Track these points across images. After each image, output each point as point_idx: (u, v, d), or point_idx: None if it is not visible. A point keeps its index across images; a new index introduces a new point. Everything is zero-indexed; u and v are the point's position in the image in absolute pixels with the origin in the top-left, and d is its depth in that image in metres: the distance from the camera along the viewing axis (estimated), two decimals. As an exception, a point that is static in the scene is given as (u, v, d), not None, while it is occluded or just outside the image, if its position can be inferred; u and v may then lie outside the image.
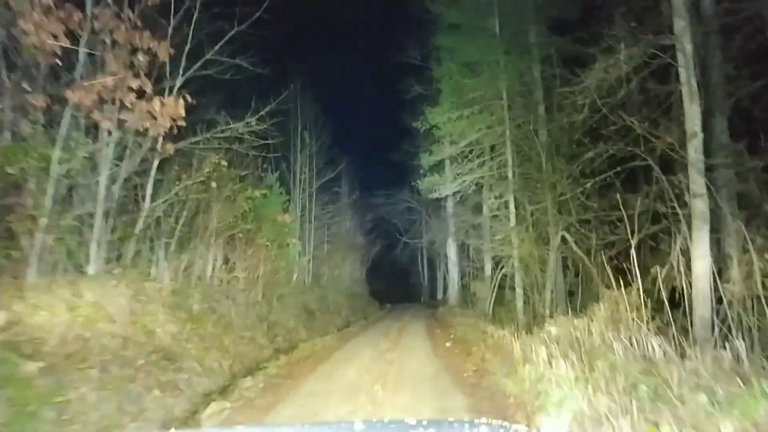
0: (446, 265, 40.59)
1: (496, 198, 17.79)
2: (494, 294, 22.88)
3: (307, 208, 22.20)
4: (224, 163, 10.87)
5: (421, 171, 18.61)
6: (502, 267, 22.87)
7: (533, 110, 17.15)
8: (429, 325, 19.36)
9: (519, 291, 17.36)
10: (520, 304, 17.25)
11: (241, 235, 12.59)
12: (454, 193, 27.11)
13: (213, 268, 11.61)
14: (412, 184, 19.36)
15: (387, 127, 50.57)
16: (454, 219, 29.13)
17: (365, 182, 38.84)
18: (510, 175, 17.56)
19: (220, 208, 11.17)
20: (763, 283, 6.35)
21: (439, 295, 42.79)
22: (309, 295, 20.92)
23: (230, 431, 2.66)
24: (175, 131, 8.18)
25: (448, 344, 12.16)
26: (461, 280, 30.62)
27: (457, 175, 18.01)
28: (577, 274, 16.98)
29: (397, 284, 49.68)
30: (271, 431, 2.34)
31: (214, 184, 10.73)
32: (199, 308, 10.24)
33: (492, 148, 18.21)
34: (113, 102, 8.04)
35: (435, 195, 18.52)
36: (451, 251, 30.16)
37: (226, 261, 12.32)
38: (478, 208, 25.01)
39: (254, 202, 12.62)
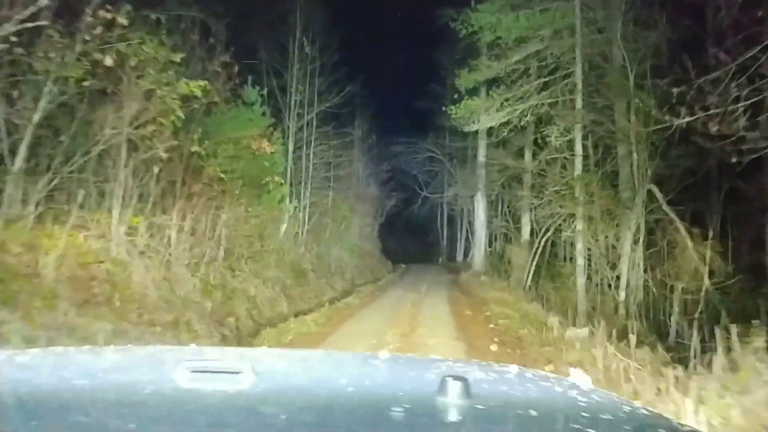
0: (469, 224, 35.97)
1: (556, 136, 12.91)
2: (534, 263, 18.34)
3: (304, 140, 17.47)
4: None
5: (456, 96, 13.74)
6: (547, 230, 18.23)
7: (616, 12, 12.09)
8: (454, 299, 14.87)
9: (581, 263, 12.73)
10: (581, 281, 12.64)
11: (177, 160, 8.06)
12: (490, 135, 22.26)
13: (120, 209, 7.13)
14: (444, 109, 14.45)
15: (411, 70, 44.70)
16: (487, 168, 24.29)
17: (384, 128, 33.94)
18: (578, 102, 12.66)
19: (126, 106, 6.58)
20: None
21: (458, 257, 38.28)
22: (303, 252, 16.52)
23: (258, 351, 2.17)
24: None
25: (494, 347, 7.67)
26: (489, 243, 26.00)
27: (506, 101, 13.11)
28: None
29: (413, 243, 45.27)
30: (300, 354, 2.04)
31: (110, 61, 6.12)
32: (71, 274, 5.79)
33: (554, 66, 13.22)
34: None
35: (471, 126, 13.72)
36: (480, 208, 25.44)
37: (145, 198, 7.80)
38: (519, 154, 20.16)
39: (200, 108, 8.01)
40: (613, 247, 12.75)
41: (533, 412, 1.16)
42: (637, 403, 1.34)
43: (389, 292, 16.72)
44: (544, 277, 16.98)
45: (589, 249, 12.83)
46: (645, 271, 11.79)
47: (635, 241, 11.70)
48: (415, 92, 37.21)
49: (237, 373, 1.20)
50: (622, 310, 11.50)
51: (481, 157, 25.11)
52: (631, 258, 11.69)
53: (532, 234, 19.78)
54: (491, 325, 9.79)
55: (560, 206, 13.52)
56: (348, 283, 18.90)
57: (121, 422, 1.04)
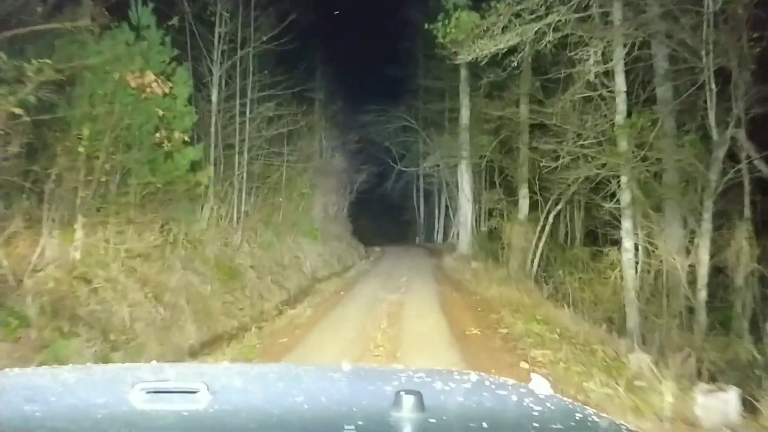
0: (449, 200, 32.12)
1: (592, 64, 8.88)
2: (541, 245, 14.56)
3: (237, 89, 12.94)
4: None
5: (444, 10, 9.58)
6: (558, 202, 14.41)
7: None
8: (446, 300, 10.86)
9: (629, 247, 8.87)
10: (630, 272, 8.81)
11: None
12: (476, 86, 18.13)
13: None
14: (428, 28, 10.24)
15: (378, 31, 39.71)
16: (472, 131, 20.26)
17: (351, 95, 29.59)
18: (617, 13, 8.74)
19: None
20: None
21: (437, 237, 34.53)
22: (239, 242, 12.31)
23: (216, 368, 2.18)
24: None
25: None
26: (477, 221, 22.14)
27: (515, 17, 9.00)
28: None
29: (388, 222, 41.34)
30: (257, 369, 1.96)
31: None
32: None
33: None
34: None
35: (465, 55, 9.56)
36: (465, 180, 21.46)
37: None
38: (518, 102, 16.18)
39: None
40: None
41: (485, 424, 1.17)
42: (590, 410, 1.33)
43: (358, 290, 12.69)
44: (558, 264, 13.18)
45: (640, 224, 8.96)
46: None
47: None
48: (384, 56, 32.93)
49: (193, 392, 1.19)
50: (701, 319, 7.67)
51: (465, 118, 21.08)
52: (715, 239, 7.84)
53: (535, 208, 15.97)
54: (524, 364, 5.81)
55: (598, 167, 9.56)
56: (306, 278, 14.81)
57: None
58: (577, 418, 1.26)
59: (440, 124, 27.49)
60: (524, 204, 16.63)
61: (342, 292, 12.09)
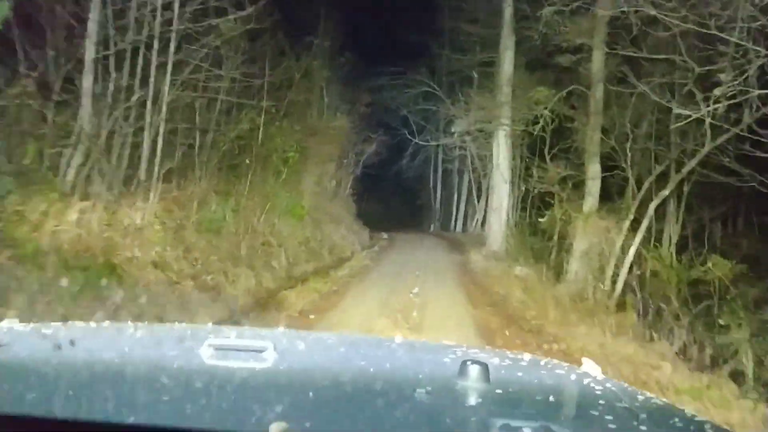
0: (474, 180, 27.06)
1: None
2: (632, 252, 9.47)
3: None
4: None
5: None
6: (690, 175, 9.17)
7: None
8: (497, 345, 5.96)
9: None
10: None
11: None
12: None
13: None
14: None
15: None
16: (517, 89, 15.11)
17: (367, 51, 24.48)
18: None
19: None
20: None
21: (456, 226, 29.48)
22: (150, 223, 7.40)
23: (278, 331, 1.90)
24: None
25: None
26: (514, 207, 17.07)
27: None
28: None
29: (399, 205, 36.52)
30: (316, 335, 2.07)
31: None
32: None
33: None
34: None
35: None
36: (502, 154, 16.36)
37: None
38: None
39: None
40: None
41: (551, 398, 1.18)
42: (649, 393, 1.33)
43: (345, 310, 7.80)
44: (675, 290, 8.05)
45: None
46: None
47: None
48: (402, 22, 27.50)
49: (260, 351, 1.21)
50: None
51: (508, 66, 15.90)
52: None
53: (618, 194, 10.96)
54: None
55: None
56: (272, 278, 9.92)
57: (152, 395, 1.06)
58: (639, 399, 1.25)
59: (468, 82, 22.25)
60: (594, 187, 11.57)
61: (312, 316, 7.11)
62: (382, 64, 26.55)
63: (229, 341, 1.31)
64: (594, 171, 11.58)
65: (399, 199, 36.31)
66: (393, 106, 27.98)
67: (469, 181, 28.53)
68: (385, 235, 24.26)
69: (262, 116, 13.16)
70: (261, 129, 13.15)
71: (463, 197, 29.38)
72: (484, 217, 24.36)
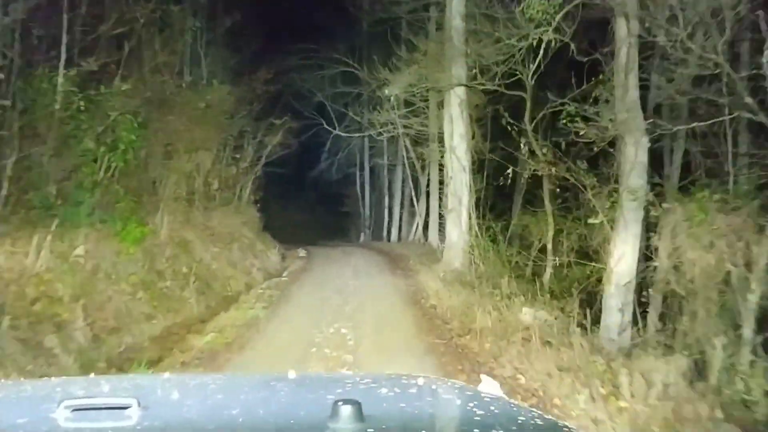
0: (409, 176, 21.87)
1: None
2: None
3: None
4: None
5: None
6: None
7: None
8: None
9: None
10: None
11: None
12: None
13: None
14: None
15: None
16: (472, 35, 10.05)
17: (271, 32, 18.91)
18: None
19: None
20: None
21: (391, 234, 24.26)
22: None
23: (154, 379, 1.98)
24: None
25: None
26: (479, 206, 12.04)
27: None
28: None
29: (322, 212, 31.20)
30: (198, 380, 1.87)
31: None
32: None
33: None
34: None
35: None
36: (456, 129, 11.34)
37: None
38: None
39: None
40: None
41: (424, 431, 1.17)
42: (536, 412, 1.30)
43: None
44: None
45: None
46: None
47: None
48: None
49: (123, 408, 1.13)
50: None
51: (458, 12, 10.98)
52: None
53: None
54: None
55: None
56: (64, 366, 4.26)
57: None
58: (519, 421, 1.25)
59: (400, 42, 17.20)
60: (641, 154, 6.68)
61: None
62: (287, 42, 21.27)
63: (89, 400, 1.17)
64: (636, 126, 6.67)
65: (322, 206, 30.87)
66: (305, 91, 22.62)
67: (404, 178, 23.52)
68: (302, 252, 18.76)
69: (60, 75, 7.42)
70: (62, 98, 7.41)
71: (397, 198, 24.29)
72: (426, 221, 19.46)
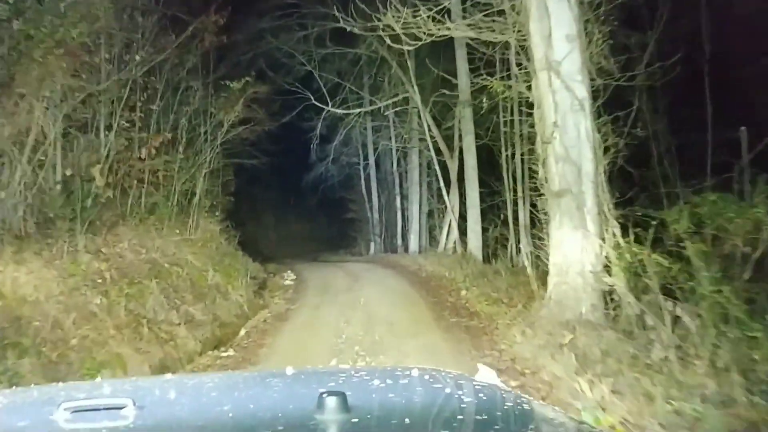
0: (434, 161, 15.25)
1: None
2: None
3: None
4: None
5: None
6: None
7: None
8: None
9: None
10: None
11: None
12: None
13: None
14: None
15: None
16: None
17: None
18: None
19: None
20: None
21: (409, 243, 18.01)
22: None
23: (152, 381, 2.11)
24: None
25: None
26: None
27: None
28: None
29: (322, 220, 25.63)
30: (196, 380, 1.92)
31: None
32: None
33: None
34: None
35: None
36: (560, 32, 5.58)
37: None
38: None
39: None
40: None
41: (407, 420, 1.16)
42: (525, 398, 1.30)
43: None
44: None
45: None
46: None
47: None
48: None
49: (119, 408, 1.16)
50: None
51: None
52: None
53: None
54: None
55: None
56: None
57: None
58: (506, 406, 1.26)
59: None
60: None
61: None
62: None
63: (87, 402, 1.20)
64: None
65: (323, 212, 25.14)
66: (287, 61, 16.83)
67: (421, 167, 17.51)
68: (289, 279, 12.95)
69: None
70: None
71: (414, 195, 18.13)
72: (460, 223, 13.58)
